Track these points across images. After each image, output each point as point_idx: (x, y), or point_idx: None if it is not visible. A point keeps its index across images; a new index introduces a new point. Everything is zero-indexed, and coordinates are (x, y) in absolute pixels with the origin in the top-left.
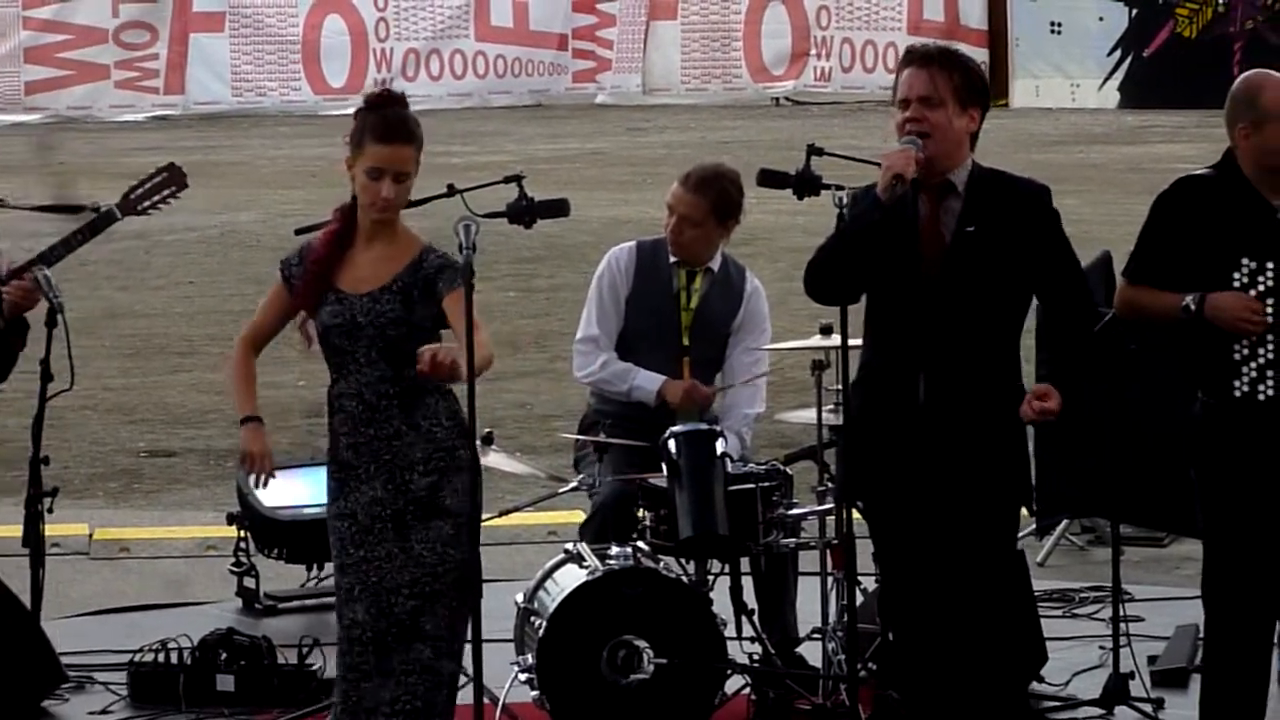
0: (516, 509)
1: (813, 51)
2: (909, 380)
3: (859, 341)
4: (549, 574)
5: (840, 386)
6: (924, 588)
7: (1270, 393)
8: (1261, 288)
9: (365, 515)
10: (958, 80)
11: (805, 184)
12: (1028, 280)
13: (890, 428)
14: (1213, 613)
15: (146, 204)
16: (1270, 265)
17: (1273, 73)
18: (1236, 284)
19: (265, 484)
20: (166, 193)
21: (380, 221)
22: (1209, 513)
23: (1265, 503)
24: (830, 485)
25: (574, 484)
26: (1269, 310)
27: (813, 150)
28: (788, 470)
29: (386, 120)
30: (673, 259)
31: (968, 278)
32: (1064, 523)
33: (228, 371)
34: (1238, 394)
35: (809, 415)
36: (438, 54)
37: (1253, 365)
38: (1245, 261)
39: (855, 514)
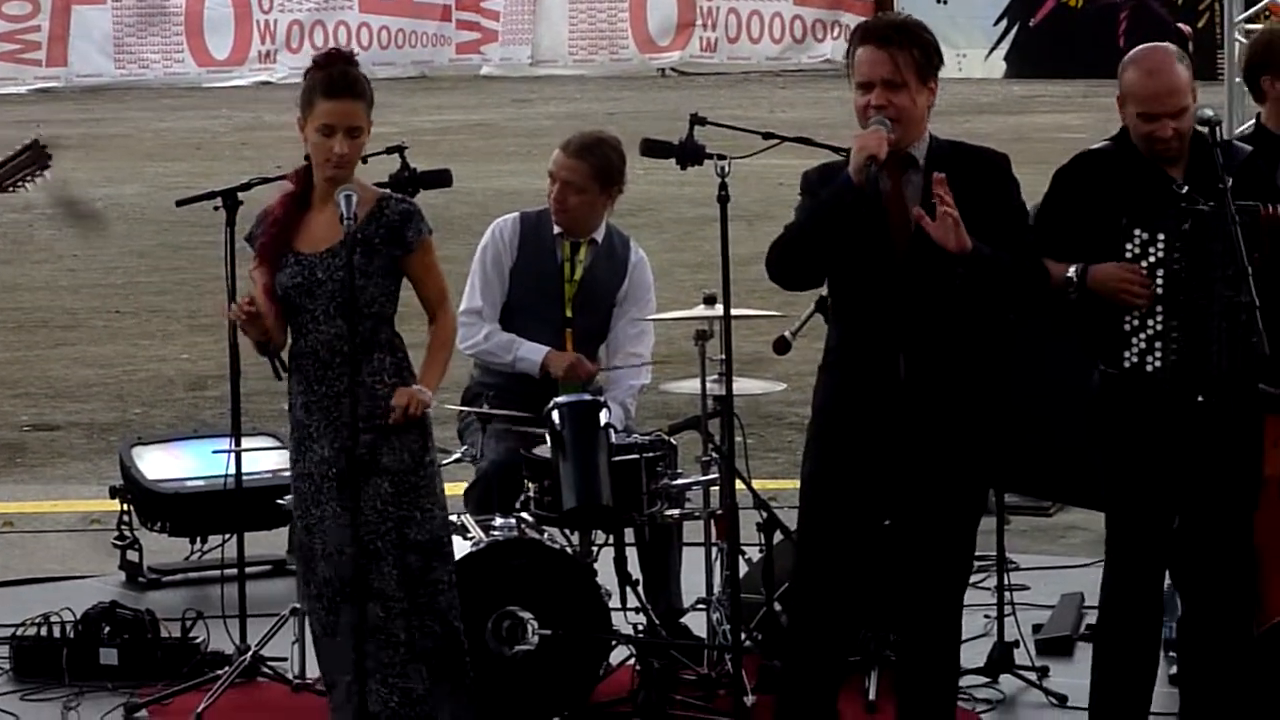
0: None
1: (699, 22)
2: (889, 360)
3: (742, 311)
4: None
5: (724, 357)
6: (850, 570)
7: (1158, 364)
8: (1152, 259)
9: (319, 474)
10: (918, 56)
11: (688, 154)
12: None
13: (871, 409)
14: (1109, 579)
15: (8, 182)
16: (1161, 237)
17: (1158, 46)
18: (1129, 255)
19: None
20: (28, 171)
21: (335, 179)
22: (1107, 482)
23: (1157, 473)
24: (713, 455)
25: (457, 455)
26: (1159, 282)
27: (696, 120)
28: (672, 441)
29: (333, 77)
30: (556, 230)
31: (938, 250)
32: None
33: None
34: (1127, 364)
35: (693, 385)
36: (321, 25)
37: (1142, 336)
38: (1137, 233)
39: (738, 484)
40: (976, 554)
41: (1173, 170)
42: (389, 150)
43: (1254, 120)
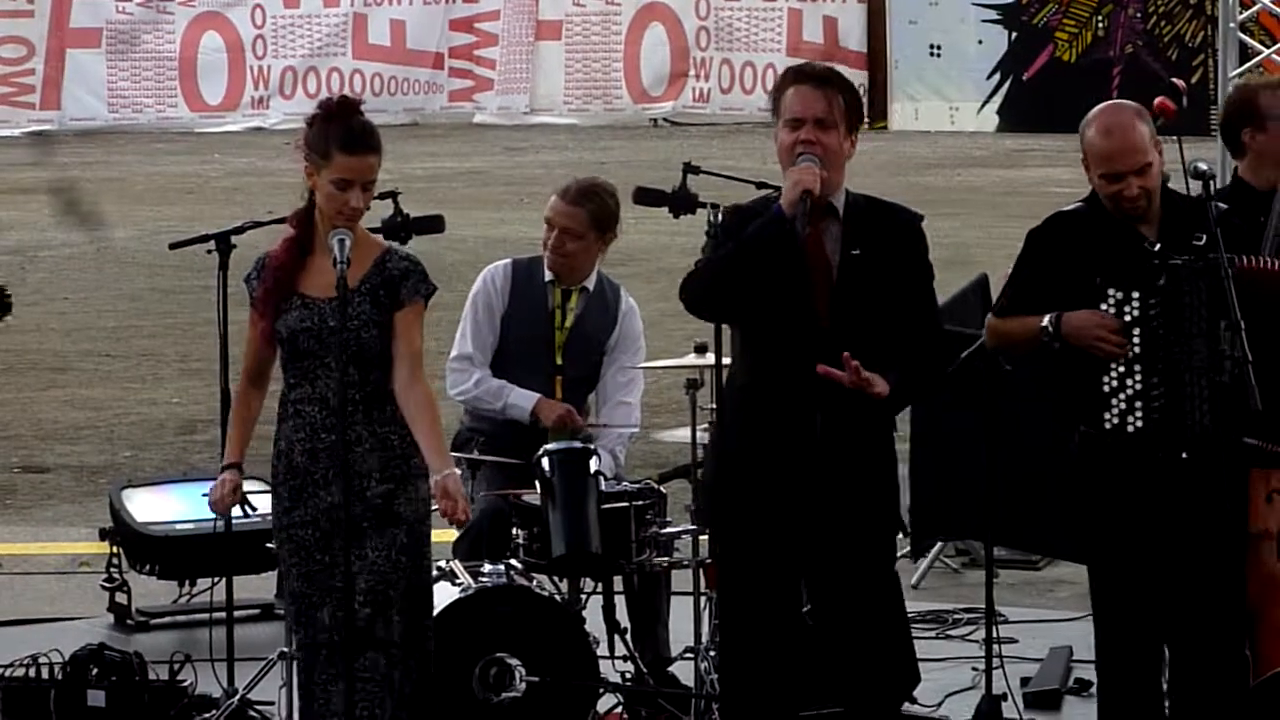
0: None
1: (692, 72)
2: (804, 415)
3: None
4: None
5: (715, 405)
6: (785, 618)
7: (1139, 424)
8: (1128, 318)
9: (326, 521)
10: (847, 103)
11: (681, 202)
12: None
13: (781, 460)
14: (1103, 643)
15: None
16: (1136, 295)
17: (1115, 104)
18: None
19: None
20: None
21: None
22: (1090, 544)
23: (1142, 534)
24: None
25: None
26: (1135, 341)
27: (689, 168)
28: (661, 489)
29: (352, 130)
30: (548, 277)
31: (857, 306)
32: (938, 545)
33: (235, 409)
34: (1108, 425)
35: (684, 434)
36: (315, 72)
37: (1121, 396)
38: (1111, 292)
39: None
40: (965, 606)
41: (1145, 228)
42: (382, 196)
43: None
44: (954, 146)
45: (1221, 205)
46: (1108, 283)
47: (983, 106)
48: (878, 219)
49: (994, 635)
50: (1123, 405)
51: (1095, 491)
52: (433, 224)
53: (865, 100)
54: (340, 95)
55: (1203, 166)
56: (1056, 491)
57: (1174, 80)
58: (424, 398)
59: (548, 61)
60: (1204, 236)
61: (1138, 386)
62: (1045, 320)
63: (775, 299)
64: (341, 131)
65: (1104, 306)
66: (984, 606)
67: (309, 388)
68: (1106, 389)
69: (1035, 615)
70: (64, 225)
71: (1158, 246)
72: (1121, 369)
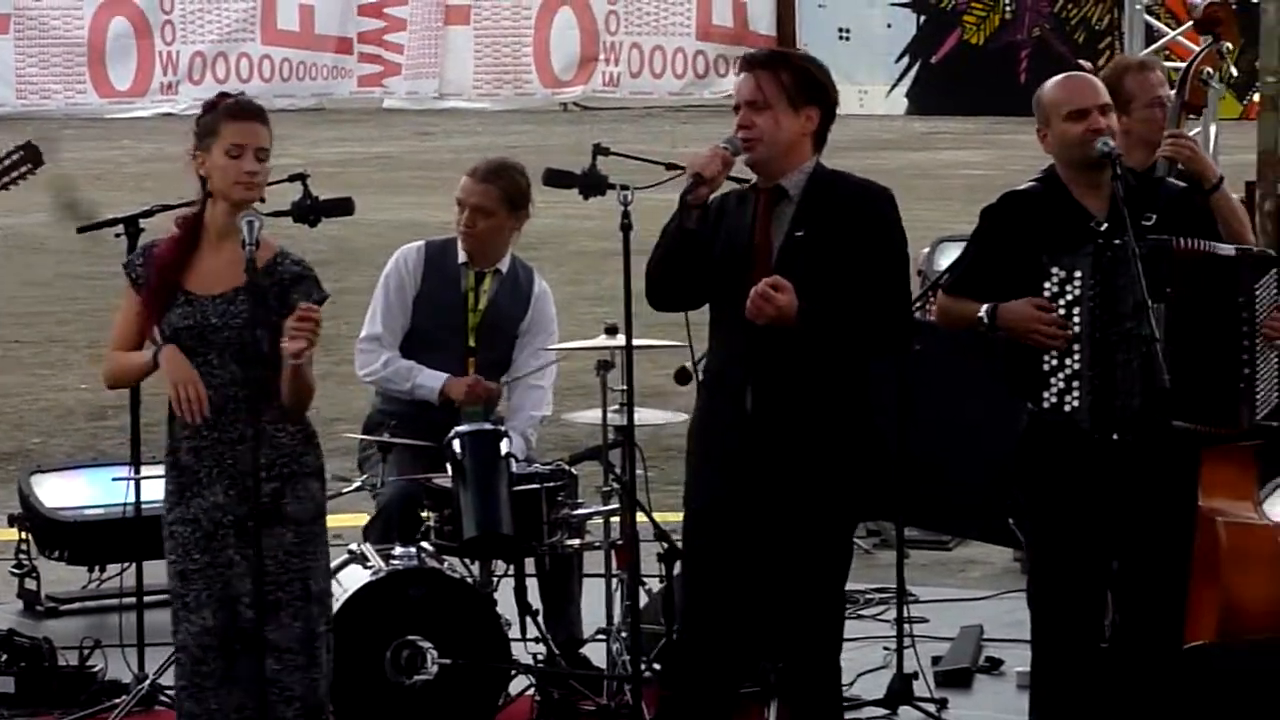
0: None
1: (602, 57)
2: (739, 389)
3: (644, 342)
4: (333, 574)
5: (625, 386)
6: (730, 602)
7: (1076, 404)
8: (1070, 296)
9: (208, 521)
10: (787, 80)
11: (591, 184)
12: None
13: (721, 435)
14: (1039, 626)
15: (4, 180)
16: (1078, 274)
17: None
18: (1047, 293)
19: (203, 414)
20: (21, 170)
21: (247, 201)
22: (1032, 524)
23: (1084, 513)
24: (614, 486)
25: (358, 484)
26: (1075, 320)
27: (599, 150)
28: (573, 471)
29: (239, 102)
30: (461, 259)
31: (791, 283)
32: None
33: (110, 368)
34: (1046, 404)
35: (595, 416)
36: (224, 57)
37: (1060, 376)
38: (1055, 270)
39: (638, 515)
40: (877, 586)
41: (1095, 207)
42: (290, 179)
43: None
44: (863, 130)
45: (1180, 184)
46: (1051, 261)
47: (892, 90)
48: (835, 198)
49: (905, 615)
50: (1061, 385)
51: (1037, 471)
52: (342, 207)
53: None
54: (221, 91)
55: (1111, 144)
56: (967, 473)
57: (1080, 62)
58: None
59: (456, 47)
60: (1153, 216)
61: (1076, 366)
62: (982, 311)
63: (717, 286)
64: (229, 104)
65: (1047, 285)
66: (895, 586)
67: None
68: (1046, 368)
69: (946, 595)
70: (61, 218)
71: (1104, 226)
72: (1062, 348)
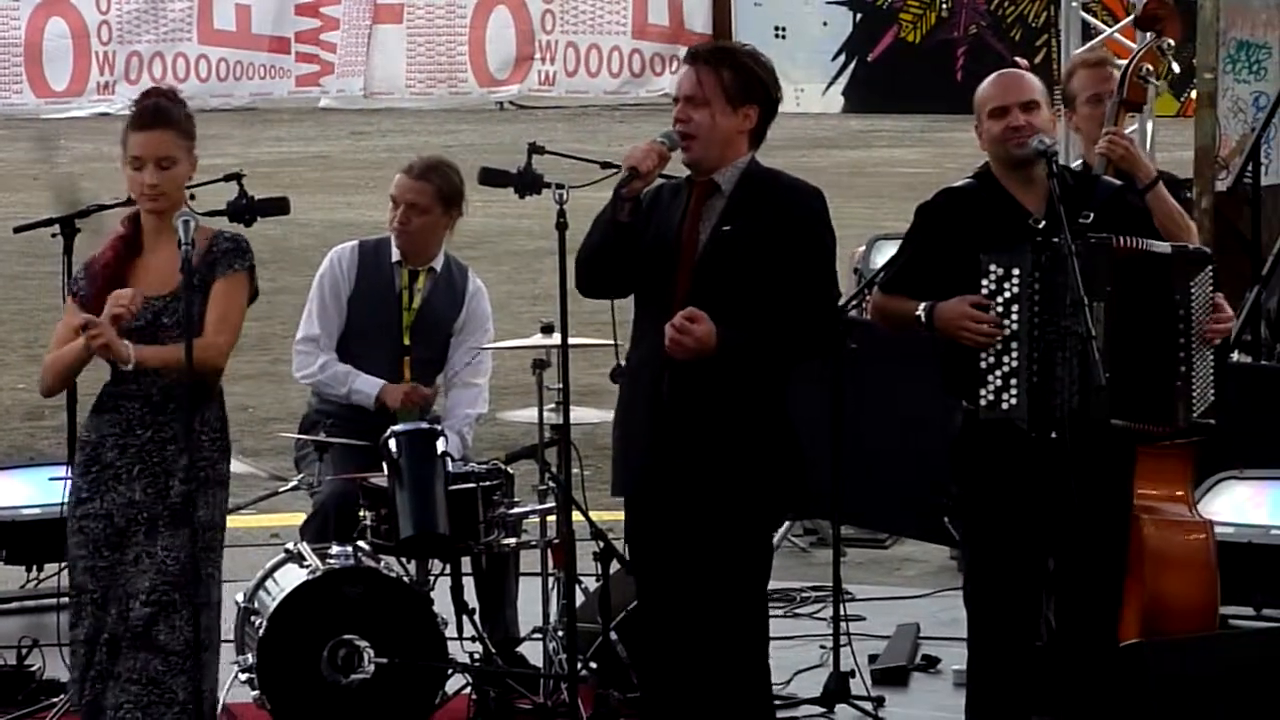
0: (238, 509)
1: (537, 55)
2: (657, 377)
3: (580, 341)
4: (269, 573)
5: (561, 385)
6: (665, 591)
7: (1013, 402)
8: (1007, 294)
9: (121, 517)
10: (727, 78)
11: (526, 182)
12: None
13: (641, 423)
14: (976, 625)
15: None
16: (1016, 272)
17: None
18: (985, 290)
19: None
20: None
21: (155, 212)
22: (968, 522)
23: (1020, 511)
24: (550, 485)
25: (294, 483)
26: (1013, 318)
27: (534, 149)
28: (509, 470)
29: (142, 109)
30: (395, 258)
31: (716, 278)
32: (786, 524)
33: (47, 365)
34: (983, 402)
35: (530, 415)
36: (160, 57)
37: (997, 374)
38: (992, 268)
39: (574, 514)
40: (813, 585)
41: (1031, 204)
42: (226, 178)
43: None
44: (800, 128)
45: (1116, 182)
46: (990, 259)
47: (828, 88)
48: (765, 195)
49: (842, 613)
50: (998, 383)
51: (974, 469)
52: (277, 205)
53: None
54: (152, 86)
55: (1047, 141)
56: (904, 471)
57: (1017, 59)
58: (201, 347)
59: (386, 45)
60: (1090, 215)
61: (1014, 364)
62: (919, 310)
63: (643, 277)
64: (131, 115)
65: (985, 282)
66: (831, 584)
67: (133, 385)
68: (984, 365)
69: (882, 593)
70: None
71: (1042, 224)
72: (999, 347)
